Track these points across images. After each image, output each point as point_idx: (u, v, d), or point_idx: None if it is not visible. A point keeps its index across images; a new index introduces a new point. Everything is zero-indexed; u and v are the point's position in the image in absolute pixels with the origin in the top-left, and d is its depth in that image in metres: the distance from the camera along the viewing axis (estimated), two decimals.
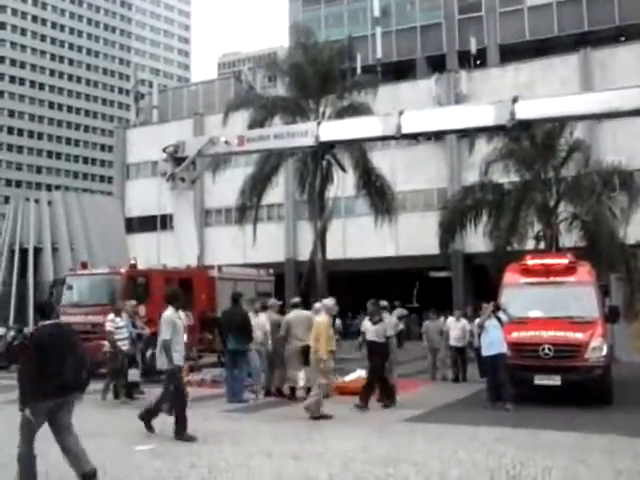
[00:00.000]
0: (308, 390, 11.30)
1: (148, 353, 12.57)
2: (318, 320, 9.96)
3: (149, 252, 31.35)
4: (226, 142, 15.48)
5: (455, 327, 14.61)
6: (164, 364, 8.15)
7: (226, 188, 26.93)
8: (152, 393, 10.96)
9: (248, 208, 23.21)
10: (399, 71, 44.43)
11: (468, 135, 22.19)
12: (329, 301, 10.39)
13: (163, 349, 8.13)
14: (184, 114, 44.85)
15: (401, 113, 12.66)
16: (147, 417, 8.38)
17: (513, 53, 40.27)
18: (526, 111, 11.30)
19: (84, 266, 18.15)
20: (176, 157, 16.28)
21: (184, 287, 14.54)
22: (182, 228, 16.65)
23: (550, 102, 11.78)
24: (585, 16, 42.22)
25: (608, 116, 13.50)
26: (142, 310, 13.48)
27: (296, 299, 12.65)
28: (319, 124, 14.24)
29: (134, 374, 11.51)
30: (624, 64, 27.55)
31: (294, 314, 11.79)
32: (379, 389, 10.69)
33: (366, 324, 10.97)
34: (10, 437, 5.86)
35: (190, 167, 16.52)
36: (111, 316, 11.82)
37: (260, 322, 11.74)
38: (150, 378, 11.74)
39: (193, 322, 14.18)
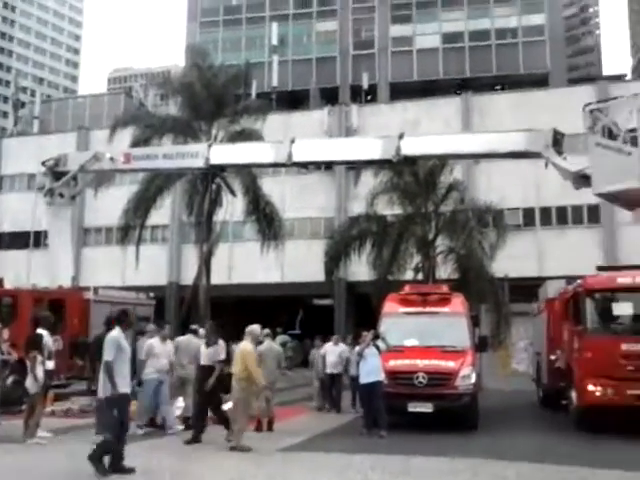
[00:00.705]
0: (185, 420, 10.95)
1: (9, 380, 11.62)
2: (245, 348, 9.49)
3: (19, 270, 29.24)
4: (111, 159, 14.96)
5: (332, 352, 14.20)
6: (107, 390, 7.41)
7: (108, 206, 25.78)
8: (14, 425, 10.15)
9: (131, 228, 22.35)
10: (293, 100, 45.29)
11: (356, 167, 22.90)
12: (255, 327, 9.97)
13: (106, 373, 7.42)
14: (68, 127, 42.77)
15: (292, 141, 12.84)
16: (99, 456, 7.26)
17: (402, 91, 42.40)
18: (411, 147, 11.81)
19: None
20: (56, 171, 15.51)
21: (55, 309, 13.65)
22: (57, 246, 15.74)
23: (434, 140, 12.42)
24: (467, 63, 45.42)
25: (486, 156, 14.35)
26: (6, 333, 12.47)
27: (194, 326, 12.40)
28: (210, 146, 14.11)
29: None
30: (500, 110, 29.74)
31: (186, 339, 11.49)
32: (219, 419, 9.96)
33: (201, 348, 10.25)
34: None
35: (71, 183, 15.78)
36: None
37: (167, 349, 11.20)
38: (8, 409, 10.86)
39: (62, 347, 13.32)
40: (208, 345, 9.98)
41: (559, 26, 46.65)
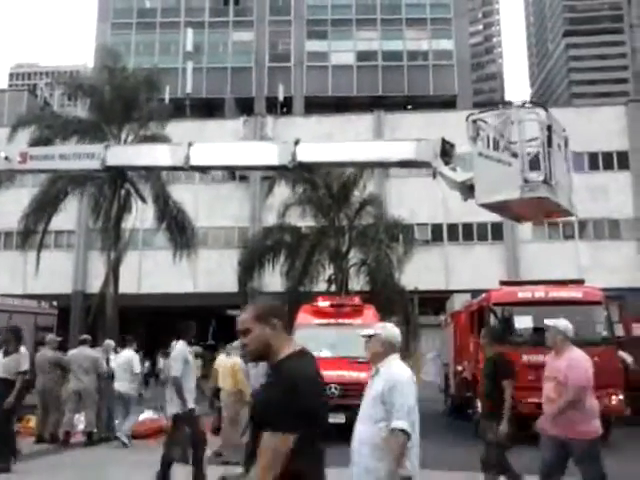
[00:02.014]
0: (89, 435, 10.47)
1: None
2: (236, 363, 9.45)
3: None
4: (6, 158, 14.14)
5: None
6: (176, 407, 7.06)
7: (8, 209, 24.39)
8: None
9: (32, 233, 21.20)
10: (208, 108, 44.78)
11: (269, 177, 22.86)
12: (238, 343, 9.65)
13: (174, 388, 7.07)
14: None
15: (190, 145, 12.66)
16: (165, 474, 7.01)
17: (317, 105, 42.98)
18: (306, 154, 11.77)
19: None
20: None
21: None
22: None
23: (328, 148, 12.40)
24: (380, 82, 46.76)
25: (380, 165, 13.95)
26: None
27: (84, 336, 11.80)
28: (107, 147, 13.58)
29: None
30: (410, 128, 30.79)
31: (78, 351, 10.97)
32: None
33: None
34: None
35: None
36: None
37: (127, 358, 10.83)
38: None
39: None
40: (6, 354, 8.39)
41: (466, 52, 48.96)
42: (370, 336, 3.98)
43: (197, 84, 46.55)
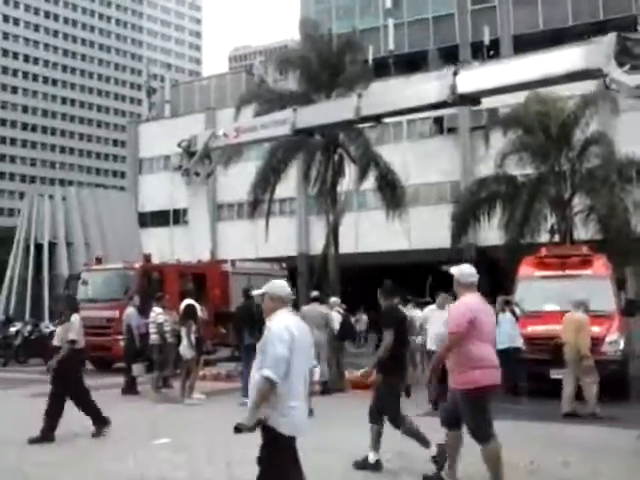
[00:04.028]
0: (323, 384, 11.29)
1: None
2: (580, 316, 9.29)
3: (162, 247, 31.46)
4: (224, 135, 15.45)
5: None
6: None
7: (239, 182, 26.95)
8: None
9: (259, 202, 23.23)
10: (411, 63, 44.15)
11: (479, 126, 21.87)
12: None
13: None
14: (196, 108, 44.89)
15: (360, 95, 12.62)
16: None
17: (527, 43, 39.84)
18: (467, 84, 10.79)
19: (99, 261, 18.27)
20: (190, 152, 16.35)
21: (198, 282, 14.61)
22: (197, 222, 16.66)
23: (489, 71, 11.14)
24: (601, 3, 41.73)
25: (545, 83, 11.56)
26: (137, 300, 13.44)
27: (315, 293, 12.48)
28: (295, 110, 13.97)
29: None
30: None
31: (309, 308, 11.80)
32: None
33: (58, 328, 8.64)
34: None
35: (206, 161, 16.55)
36: (158, 309, 11.61)
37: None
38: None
39: (207, 317, 14.23)
40: (60, 323, 8.47)
41: None
42: (263, 294, 4.17)
43: (399, 40, 46.16)
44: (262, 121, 15.49)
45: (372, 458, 6.24)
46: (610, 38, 8.74)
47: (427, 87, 11.80)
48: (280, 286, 4.18)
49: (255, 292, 4.54)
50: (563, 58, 9.66)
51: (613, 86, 8.79)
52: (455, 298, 5.82)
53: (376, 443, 6.28)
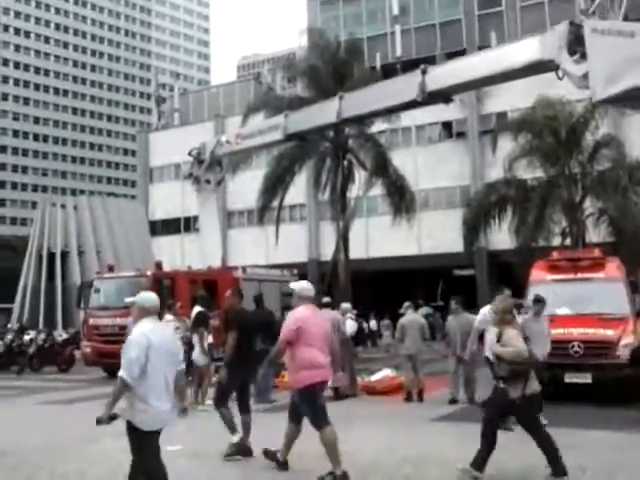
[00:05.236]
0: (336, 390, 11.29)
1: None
2: None
3: (173, 254, 31.65)
4: (227, 142, 15.53)
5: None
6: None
7: (248, 189, 27.05)
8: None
9: (268, 209, 23.28)
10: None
11: (488, 130, 21.82)
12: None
13: None
14: (205, 116, 45.17)
15: (341, 98, 12.72)
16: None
17: None
18: (435, 81, 10.56)
19: (111, 269, 18.38)
20: (200, 160, 16.44)
21: (209, 288, 14.63)
22: (207, 230, 16.72)
23: (454, 67, 10.91)
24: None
25: (505, 78, 10.75)
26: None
27: (326, 299, 12.51)
28: (286, 116, 13.97)
29: None
30: None
31: (320, 313, 11.78)
32: None
33: None
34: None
35: (217, 168, 16.63)
36: (170, 317, 11.24)
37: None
38: None
39: (218, 323, 14.25)
40: None
41: None
42: (132, 304, 4.68)
43: (406, 46, 46.23)
44: (259, 127, 15.61)
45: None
46: (563, 27, 8.33)
47: (400, 87, 11.70)
48: (146, 299, 4.64)
49: (127, 300, 5.09)
50: (521, 50, 9.34)
51: (565, 77, 8.47)
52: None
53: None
